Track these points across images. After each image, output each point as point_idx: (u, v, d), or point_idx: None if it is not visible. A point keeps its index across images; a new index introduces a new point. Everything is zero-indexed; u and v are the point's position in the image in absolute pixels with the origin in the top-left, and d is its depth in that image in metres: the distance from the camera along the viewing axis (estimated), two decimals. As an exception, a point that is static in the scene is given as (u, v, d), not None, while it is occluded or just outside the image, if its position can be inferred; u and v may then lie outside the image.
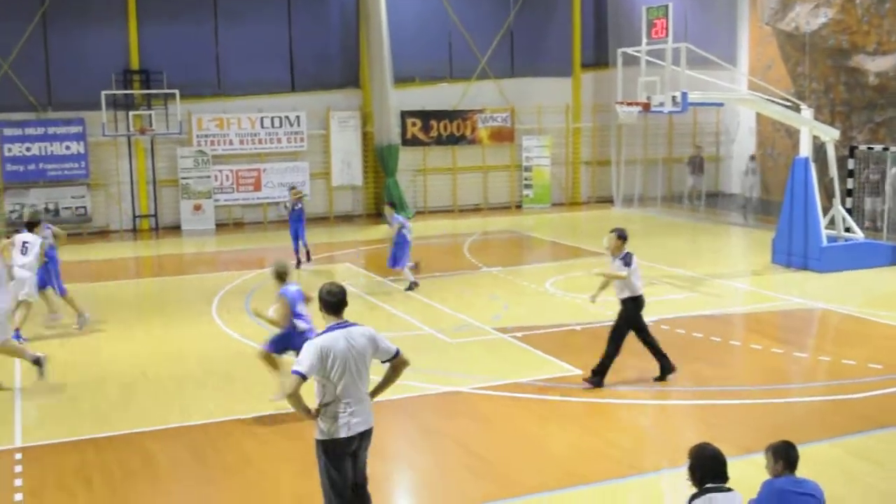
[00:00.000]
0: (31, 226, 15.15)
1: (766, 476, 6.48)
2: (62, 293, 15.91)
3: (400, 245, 18.19)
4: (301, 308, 11.00)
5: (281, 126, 29.49)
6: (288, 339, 10.96)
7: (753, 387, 11.95)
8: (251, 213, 29.61)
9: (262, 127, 29.29)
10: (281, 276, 11.17)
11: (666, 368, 12.13)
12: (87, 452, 10.09)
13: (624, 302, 11.96)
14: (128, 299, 18.98)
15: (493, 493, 8.92)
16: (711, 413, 11.06)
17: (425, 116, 31.02)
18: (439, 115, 31.13)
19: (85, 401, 12.01)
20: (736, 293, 18.06)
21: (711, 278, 18.91)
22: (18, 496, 8.97)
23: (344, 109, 30.23)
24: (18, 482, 9.31)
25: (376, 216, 30.16)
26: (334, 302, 7.08)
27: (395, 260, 18.27)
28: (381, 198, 30.17)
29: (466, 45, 31.37)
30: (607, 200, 32.03)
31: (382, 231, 27.05)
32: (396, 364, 7.29)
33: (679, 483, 6.47)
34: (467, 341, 14.39)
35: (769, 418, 10.81)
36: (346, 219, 30.17)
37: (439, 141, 31.28)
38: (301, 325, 10.87)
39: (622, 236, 11.95)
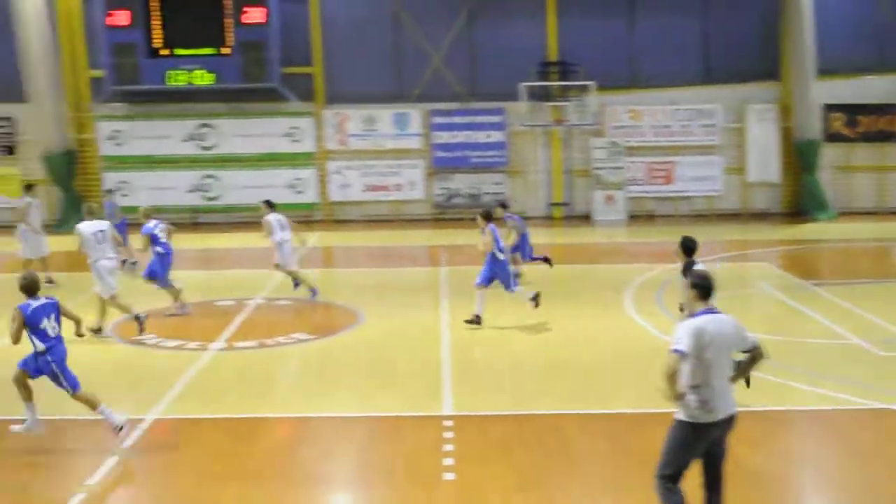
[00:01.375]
0: (271, 206, 17.52)
1: None
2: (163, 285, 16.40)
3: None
4: (46, 324, 9.79)
5: (694, 119, 29.03)
6: (36, 363, 9.81)
7: None
8: (663, 206, 29.47)
9: (676, 119, 29.01)
10: (26, 288, 9.96)
11: None
12: (509, 428, 10.48)
13: None
14: (540, 285, 19.54)
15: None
16: None
17: (851, 111, 29.11)
18: (867, 109, 29.10)
19: (506, 379, 12.57)
20: None
21: None
22: (448, 461, 9.53)
23: (761, 102, 29.11)
24: (448, 447, 9.90)
25: (793, 215, 28.78)
26: (708, 286, 7.31)
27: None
28: (800, 196, 28.81)
29: (899, 34, 28.92)
30: None
31: (800, 231, 25.77)
32: (756, 355, 7.40)
33: None
34: (901, 355, 13.20)
35: None
36: (761, 216, 29.05)
37: (866, 137, 29.21)
38: (38, 345, 9.74)
39: (685, 246, 11.21)
